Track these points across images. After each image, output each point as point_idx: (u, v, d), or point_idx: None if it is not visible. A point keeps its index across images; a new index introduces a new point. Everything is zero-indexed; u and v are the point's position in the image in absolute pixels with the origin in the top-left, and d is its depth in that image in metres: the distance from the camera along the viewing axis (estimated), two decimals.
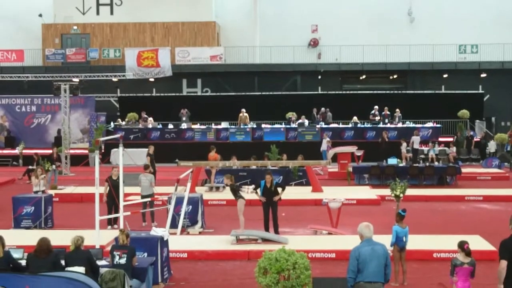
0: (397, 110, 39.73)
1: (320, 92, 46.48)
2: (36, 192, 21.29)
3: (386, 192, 23.26)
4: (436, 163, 32.11)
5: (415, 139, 35.07)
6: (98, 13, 49.72)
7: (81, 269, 11.38)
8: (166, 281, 14.09)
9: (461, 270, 10.78)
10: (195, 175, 24.33)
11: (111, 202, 19.52)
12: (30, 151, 36.94)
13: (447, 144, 36.91)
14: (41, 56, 48.26)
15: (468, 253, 10.86)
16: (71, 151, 36.33)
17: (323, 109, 41.03)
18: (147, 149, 28.22)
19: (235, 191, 18.55)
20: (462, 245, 10.94)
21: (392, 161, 30.15)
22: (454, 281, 10.89)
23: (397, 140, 35.86)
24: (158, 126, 40.15)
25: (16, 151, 39.42)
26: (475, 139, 38.92)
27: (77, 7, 49.50)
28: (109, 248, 13.19)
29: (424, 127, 38.71)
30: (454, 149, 35.67)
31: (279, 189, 18.99)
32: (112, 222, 19.85)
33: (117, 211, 18.10)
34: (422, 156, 34.09)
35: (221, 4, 50.36)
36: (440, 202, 24.96)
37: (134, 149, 31.64)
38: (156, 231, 14.48)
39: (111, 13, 49.63)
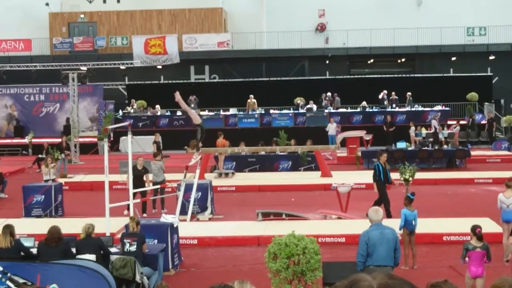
0: (408, 93, 39.57)
1: (328, 77, 46.36)
2: (46, 180, 21.40)
3: (395, 176, 23.23)
4: (445, 146, 32.04)
5: (434, 123, 34.77)
6: (104, 1, 49.64)
7: (92, 257, 11.45)
8: (177, 267, 14.17)
9: (474, 254, 10.80)
10: (203, 161, 24.39)
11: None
12: (39, 140, 37.03)
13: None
14: (49, 45, 48.28)
15: (479, 237, 10.89)
16: (80, 140, 36.44)
17: (329, 93, 40.98)
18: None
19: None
20: (474, 230, 10.97)
21: (401, 145, 30.12)
22: (465, 263, 10.92)
23: (406, 124, 35.78)
24: (167, 114, 40.20)
25: (26, 140, 39.53)
26: (484, 122, 38.89)
27: None
28: (119, 236, 13.27)
29: (433, 111, 38.56)
30: (458, 128, 35.64)
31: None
32: (142, 210, 19.68)
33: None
34: (431, 139, 34.00)
35: None
36: (450, 185, 24.94)
37: (143, 137, 31.67)
38: (166, 218, 14.54)
39: (118, 1, 49.52)
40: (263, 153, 29.73)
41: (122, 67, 44.64)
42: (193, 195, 18.75)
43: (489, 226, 16.18)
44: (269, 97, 41.20)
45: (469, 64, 45.07)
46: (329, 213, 18.99)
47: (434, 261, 14.24)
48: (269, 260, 10.88)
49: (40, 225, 16.16)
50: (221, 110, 40.12)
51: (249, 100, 40.32)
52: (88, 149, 37.30)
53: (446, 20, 46.04)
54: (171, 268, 13.81)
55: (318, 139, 31.84)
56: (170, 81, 45.57)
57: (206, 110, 40.39)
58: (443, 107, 39.47)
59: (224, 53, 46.79)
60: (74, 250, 11.85)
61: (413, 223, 13.62)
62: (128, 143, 16.23)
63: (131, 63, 44.29)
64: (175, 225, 14.42)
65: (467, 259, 10.91)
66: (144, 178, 19.75)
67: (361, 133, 33.84)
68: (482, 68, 44.65)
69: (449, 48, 46.40)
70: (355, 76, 46.75)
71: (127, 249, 12.17)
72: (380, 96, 39.89)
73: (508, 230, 13.62)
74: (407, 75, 46.39)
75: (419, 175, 22.28)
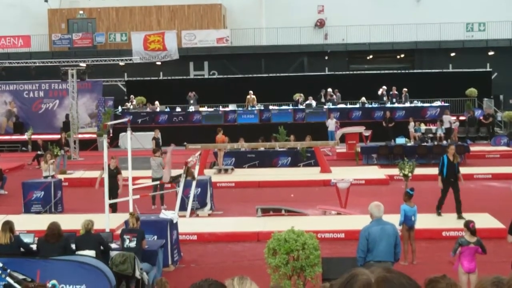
0: (405, 89, 39.61)
1: (327, 72, 46.34)
2: (46, 177, 21.41)
3: (394, 171, 23.28)
4: (444, 142, 32.02)
5: (446, 118, 34.52)
6: None
7: (92, 253, 11.46)
8: (176, 263, 14.19)
9: (467, 250, 10.80)
10: (203, 157, 24.39)
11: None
12: (38, 136, 36.99)
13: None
14: (48, 41, 48.23)
15: (473, 232, 10.90)
16: (80, 136, 36.44)
17: (330, 90, 40.95)
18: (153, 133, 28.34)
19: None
20: (468, 224, 10.99)
21: (400, 140, 30.13)
22: (457, 255, 10.94)
23: (405, 120, 35.77)
24: (166, 110, 40.19)
25: (25, 136, 39.53)
26: (481, 118, 38.94)
27: None
28: (119, 232, 13.28)
29: (432, 106, 38.57)
30: (457, 124, 35.62)
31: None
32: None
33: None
34: (430, 135, 33.99)
35: None
36: None
37: (142, 133, 31.68)
38: (166, 214, 14.55)
39: None
40: (262, 149, 29.72)
41: (121, 63, 44.56)
42: (193, 191, 18.75)
43: (488, 221, 16.21)
44: (268, 93, 41.17)
45: (468, 60, 45.05)
46: (329, 209, 19.00)
47: (433, 256, 14.25)
48: (269, 256, 10.89)
49: (40, 221, 16.16)
50: (220, 106, 40.09)
51: (248, 96, 40.31)
52: (88, 145, 37.32)
53: (445, 16, 46.00)
54: (170, 264, 13.82)
55: (317, 135, 31.84)
56: (169, 77, 45.57)
57: (206, 106, 40.38)
58: (442, 102, 39.45)
59: (223, 49, 46.78)
60: (73, 246, 11.86)
61: (413, 218, 13.64)
62: (128, 139, 16.22)
63: (130, 59, 44.24)
64: (174, 221, 14.43)
65: (458, 252, 10.92)
66: (118, 177, 19.20)
67: (360, 129, 33.85)
68: (481, 63, 44.62)
69: (448, 44, 46.41)
70: (354, 72, 46.71)
71: (126, 245, 12.18)
72: (379, 92, 39.87)
73: None
74: (406, 71, 46.39)
75: (418, 171, 22.29)
